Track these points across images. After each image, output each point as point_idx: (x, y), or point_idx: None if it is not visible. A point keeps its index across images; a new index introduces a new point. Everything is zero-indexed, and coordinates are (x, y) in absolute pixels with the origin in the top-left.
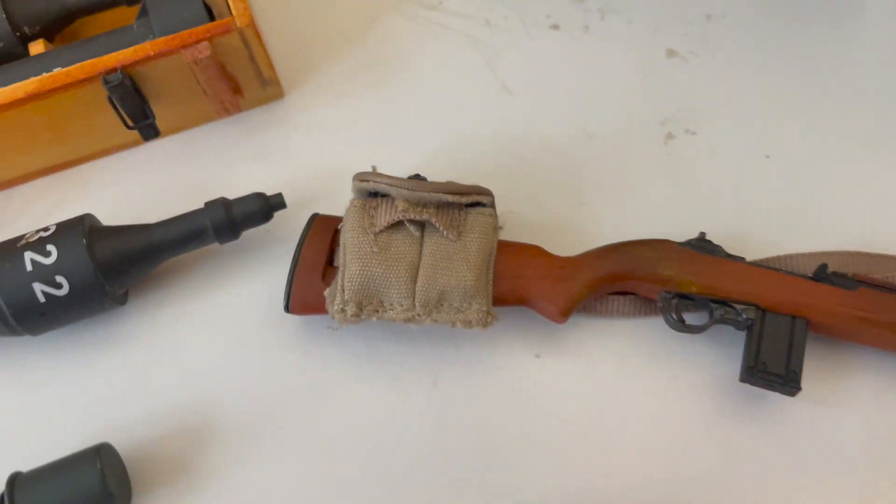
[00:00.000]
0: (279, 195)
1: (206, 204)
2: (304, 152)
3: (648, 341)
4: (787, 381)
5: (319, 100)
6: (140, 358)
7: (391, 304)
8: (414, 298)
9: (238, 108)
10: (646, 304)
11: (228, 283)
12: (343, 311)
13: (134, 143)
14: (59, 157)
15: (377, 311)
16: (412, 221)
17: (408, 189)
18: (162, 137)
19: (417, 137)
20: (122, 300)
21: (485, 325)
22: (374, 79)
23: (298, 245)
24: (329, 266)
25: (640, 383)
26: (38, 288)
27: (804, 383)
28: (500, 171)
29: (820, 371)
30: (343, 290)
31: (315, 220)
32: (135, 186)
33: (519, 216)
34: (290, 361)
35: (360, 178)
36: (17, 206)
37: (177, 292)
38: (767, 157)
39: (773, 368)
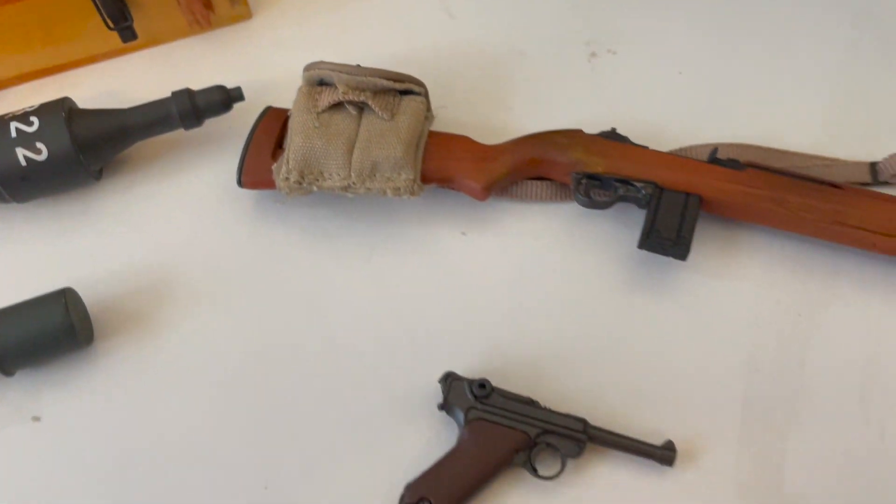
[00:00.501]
0: (238, 88)
1: (173, 93)
2: (267, 67)
3: (562, 222)
4: (677, 244)
5: (283, 21)
6: (110, 228)
7: (330, 174)
8: (350, 169)
9: (209, 24)
10: (560, 189)
11: (192, 167)
12: (287, 179)
13: (116, 54)
14: (49, 60)
15: (317, 181)
16: (351, 102)
17: (348, 73)
18: (139, 50)
19: (369, 56)
20: (96, 175)
21: (412, 192)
22: (334, 3)
23: (252, 129)
24: (278, 148)
25: (554, 258)
26: (21, 152)
27: (701, 258)
28: (438, 81)
29: (716, 248)
30: (288, 161)
31: (268, 110)
32: (114, 91)
33: (451, 114)
34: (242, 234)
35: (308, 68)
36: (9, 105)
37: (146, 174)
38: (680, 73)
39: (666, 234)
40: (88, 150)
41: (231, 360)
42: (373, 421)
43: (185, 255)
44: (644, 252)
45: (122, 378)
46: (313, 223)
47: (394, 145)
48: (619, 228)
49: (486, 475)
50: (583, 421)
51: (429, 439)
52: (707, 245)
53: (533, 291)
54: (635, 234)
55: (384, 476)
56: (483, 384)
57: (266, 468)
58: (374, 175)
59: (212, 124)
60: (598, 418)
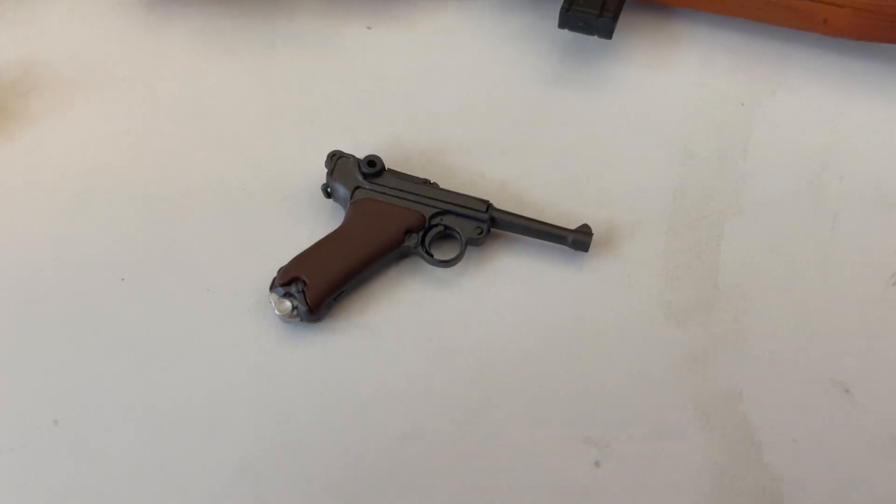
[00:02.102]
0: None
1: None
2: None
3: (478, 17)
4: (601, 17)
5: None
6: None
7: None
8: None
9: None
10: None
11: None
12: None
13: None
14: None
15: None
16: None
17: None
18: None
19: None
20: None
21: None
22: None
23: None
24: None
25: (468, 52)
26: None
27: (632, 50)
28: None
29: (649, 39)
30: None
31: None
32: None
33: None
34: (128, 32)
35: None
36: None
37: None
38: None
39: (589, 7)
40: None
41: (102, 152)
42: (255, 212)
43: (62, 51)
44: (568, 43)
45: None
46: (206, 21)
47: None
48: (542, 21)
49: (371, 256)
50: (486, 202)
51: (312, 230)
52: (639, 36)
53: (443, 86)
54: (556, 31)
55: (259, 265)
56: (373, 161)
57: (124, 261)
58: None
59: None
60: (508, 208)
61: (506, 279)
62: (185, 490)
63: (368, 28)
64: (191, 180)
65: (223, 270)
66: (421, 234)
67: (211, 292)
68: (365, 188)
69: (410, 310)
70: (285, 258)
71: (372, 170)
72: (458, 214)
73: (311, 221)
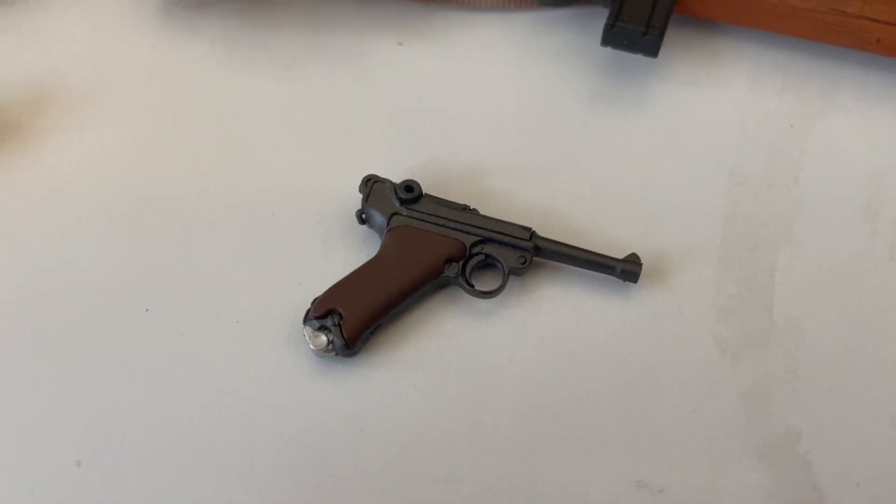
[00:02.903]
0: None
1: None
2: None
3: (515, 32)
4: (646, 34)
5: None
6: None
7: None
8: None
9: None
10: None
11: None
12: None
13: None
14: None
15: None
16: None
17: None
18: None
19: None
20: None
21: None
22: None
23: None
24: None
25: (505, 70)
26: None
27: (676, 67)
28: None
29: (694, 56)
30: None
31: None
32: None
33: None
34: (143, 44)
35: None
36: None
37: None
38: None
39: (633, 25)
40: None
41: (120, 173)
42: (285, 239)
43: (76, 67)
44: (610, 61)
45: None
46: (225, 34)
47: None
48: (583, 39)
49: (410, 286)
50: (529, 230)
51: (346, 258)
52: (684, 52)
53: (479, 104)
54: (599, 46)
55: (290, 295)
56: (410, 186)
57: (148, 290)
58: None
59: None
60: (551, 235)
61: (550, 311)
62: None
63: (399, 44)
64: (216, 204)
65: (253, 301)
66: (461, 263)
67: (240, 324)
68: (402, 215)
69: (450, 343)
70: (317, 288)
71: (409, 195)
72: (499, 243)
73: (345, 249)
